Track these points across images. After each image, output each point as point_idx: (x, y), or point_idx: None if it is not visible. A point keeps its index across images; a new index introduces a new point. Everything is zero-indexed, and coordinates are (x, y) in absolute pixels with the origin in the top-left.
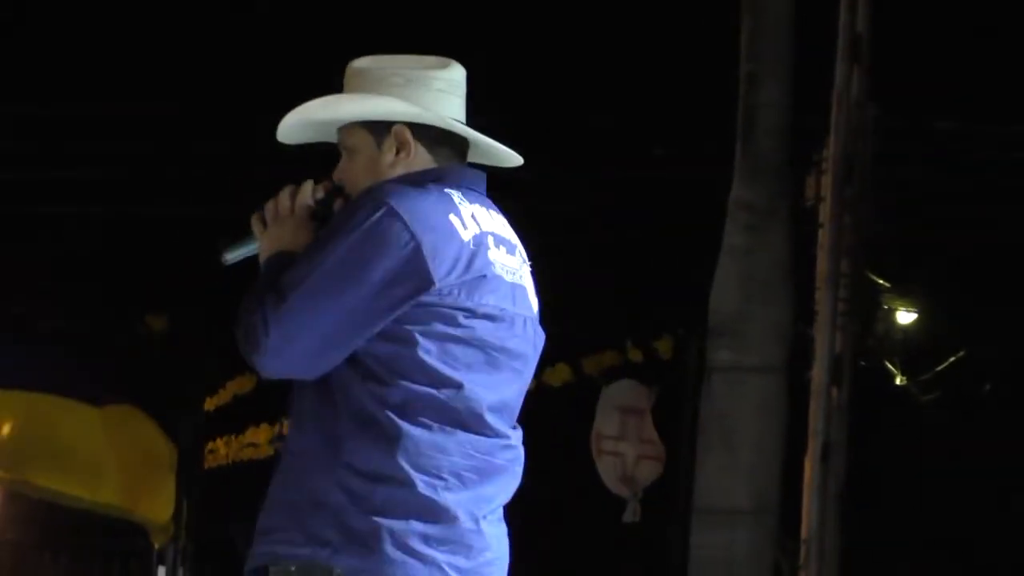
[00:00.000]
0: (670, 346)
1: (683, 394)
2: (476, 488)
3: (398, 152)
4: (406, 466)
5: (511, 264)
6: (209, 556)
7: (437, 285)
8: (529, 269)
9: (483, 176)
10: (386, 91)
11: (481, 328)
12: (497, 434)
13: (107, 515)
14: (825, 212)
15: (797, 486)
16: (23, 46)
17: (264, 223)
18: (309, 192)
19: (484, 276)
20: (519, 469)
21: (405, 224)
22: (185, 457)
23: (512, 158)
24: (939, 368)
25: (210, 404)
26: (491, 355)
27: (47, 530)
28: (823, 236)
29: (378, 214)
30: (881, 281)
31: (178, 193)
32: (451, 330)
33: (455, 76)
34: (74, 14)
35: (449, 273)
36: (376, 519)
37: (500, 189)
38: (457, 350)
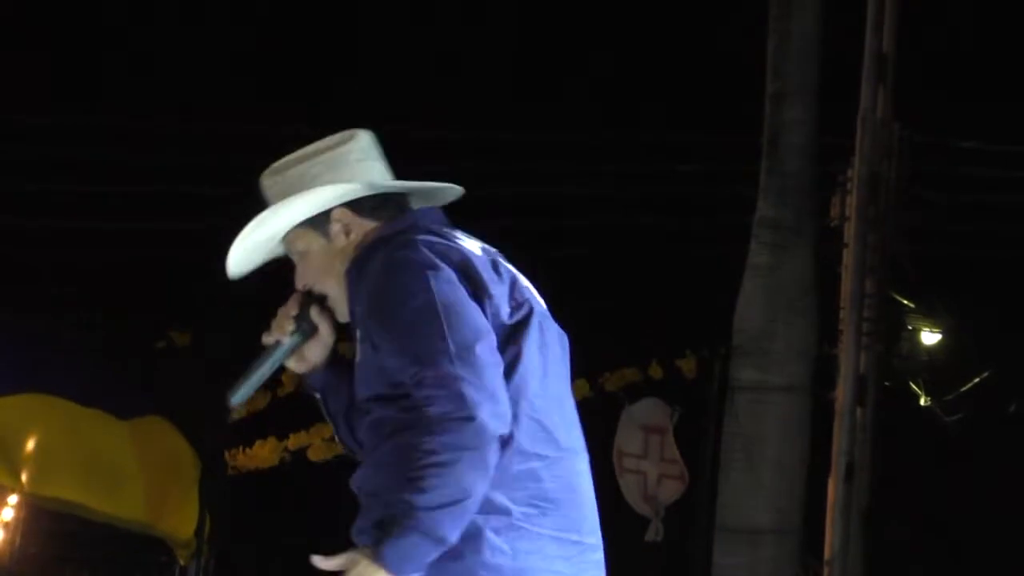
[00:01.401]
0: (694, 365)
1: (707, 413)
2: (568, 508)
3: (347, 234)
4: (504, 498)
5: (515, 271)
6: (229, 570)
7: (491, 299)
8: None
9: (439, 211)
10: (311, 184)
11: (527, 336)
12: (574, 449)
13: (129, 530)
14: (850, 231)
15: (820, 506)
16: (51, 57)
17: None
18: (286, 319)
19: (512, 286)
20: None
21: (442, 250)
22: (207, 472)
23: (450, 191)
24: (963, 389)
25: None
26: (539, 361)
27: (69, 543)
28: (848, 256)
29: (419, 259)
30: (905, 301)
31: (203, 207)
32: (510, 344)
33: (364, 143)
34: (104, 27)
35: (492, 286)
36: (493, 558)
37: (523, 207)
38: (518, 364)
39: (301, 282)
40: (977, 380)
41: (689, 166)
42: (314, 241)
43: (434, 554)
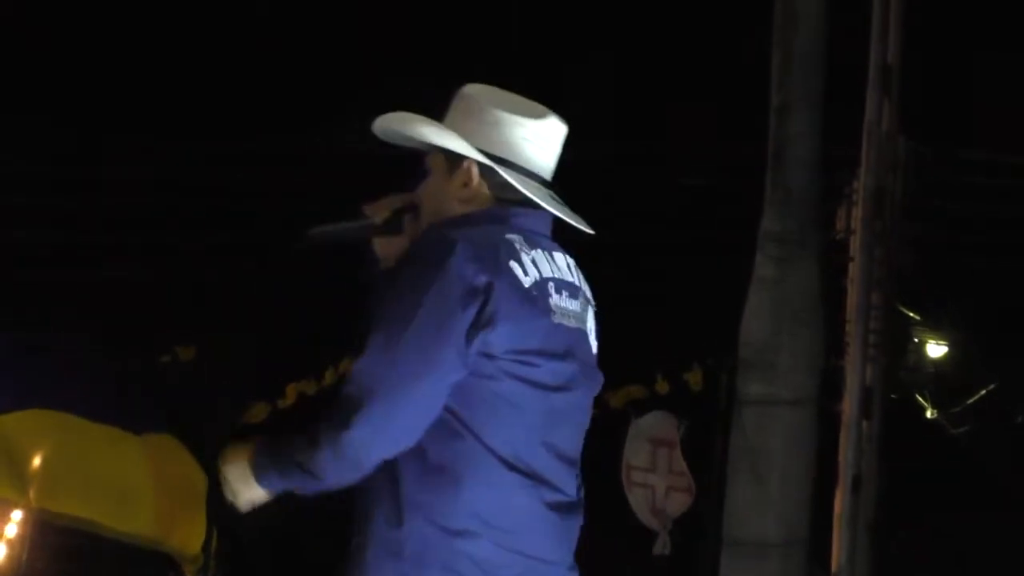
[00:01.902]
0: (700, 378)
1: (713, 426)
2: (530, 537)
3: (465, 186)
4: (475, 521)
5: (573, 309)
6: None
7: (499, 329)
8: (593, 312)
9: (547, 218)
10: (474, 125)
11: (540, 376)
12: (556, 488)
13: (137, 546)
14: (856, 244)
15: (827, 518)
16: (55, 73)
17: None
18: (387, 207)
19: (545, 322)
20: (579, 522)
21: (472, 270)
22: (214, 486)
23: (582, 225)
24: (970, 401)
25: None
26: (548, 403)
27: (76, 558)
28: (854, 268)
29: (445, 264)
30: (912, 314)
31: (208, 223)
32: (510, 380)
33: (547, 129)
34: (110, 52)
35: (509, 319)
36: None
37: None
38: (516, 399)
39: (418, 191)
40: (983, 392)
41: (693, 178)
42: (440, 170)
43: (292, 480)
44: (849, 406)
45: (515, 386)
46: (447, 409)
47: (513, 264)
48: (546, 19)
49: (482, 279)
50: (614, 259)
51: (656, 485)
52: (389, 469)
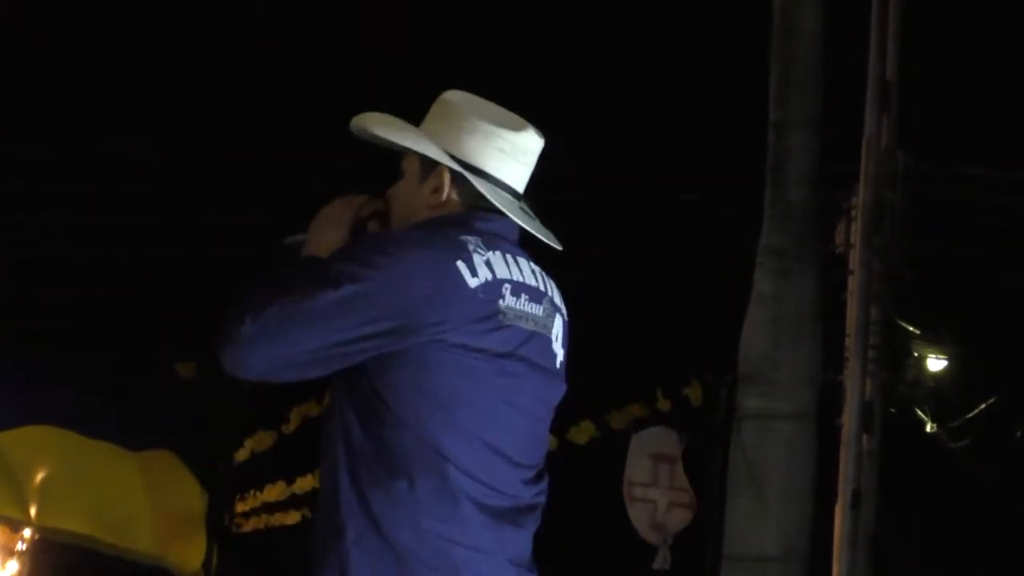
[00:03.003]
0: (700, 393)
1: (713, 441)
2: (467, 528)
3: (435, 191)
4: (408, 509)
5: (533, 313)
6: None
7: (429, 331)
8: (562, 320)
9: (513, 224)
10: (451, 132)
11: (474, 372)
12: (491, 487)
13: (137, 562)
14: (855, 258)
15: (827, 533)
16: (57, 88)
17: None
18: (354, 207)
19: (489, 324)
20: (530, 524)
21: (405, 269)
22: (215, 504)
23: (550, 239)
24: (969, 415)
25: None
26: (481, 400)
27: (76, 574)
28: (853, 283)
29: (384, 259)
30: (911, 328)
31: (211, 239)
32: (442, 374)
33: (524, 142)
34: (125, 62)
35: (444, 320)
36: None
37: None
38: (445, 393)
39: (389, 193)
40: (983, 406)
41: (692, 193)
42: (413, 174)
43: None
44: (848, 420)
45: (448, 379)
46: (380, 401)
47: (460, 264)
48: (546, 25)
49: (421, 274)
50: (611, 274)
51: (657, 500)
52: (331, 462)
